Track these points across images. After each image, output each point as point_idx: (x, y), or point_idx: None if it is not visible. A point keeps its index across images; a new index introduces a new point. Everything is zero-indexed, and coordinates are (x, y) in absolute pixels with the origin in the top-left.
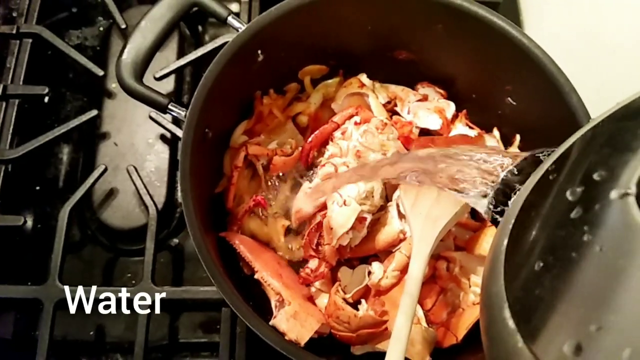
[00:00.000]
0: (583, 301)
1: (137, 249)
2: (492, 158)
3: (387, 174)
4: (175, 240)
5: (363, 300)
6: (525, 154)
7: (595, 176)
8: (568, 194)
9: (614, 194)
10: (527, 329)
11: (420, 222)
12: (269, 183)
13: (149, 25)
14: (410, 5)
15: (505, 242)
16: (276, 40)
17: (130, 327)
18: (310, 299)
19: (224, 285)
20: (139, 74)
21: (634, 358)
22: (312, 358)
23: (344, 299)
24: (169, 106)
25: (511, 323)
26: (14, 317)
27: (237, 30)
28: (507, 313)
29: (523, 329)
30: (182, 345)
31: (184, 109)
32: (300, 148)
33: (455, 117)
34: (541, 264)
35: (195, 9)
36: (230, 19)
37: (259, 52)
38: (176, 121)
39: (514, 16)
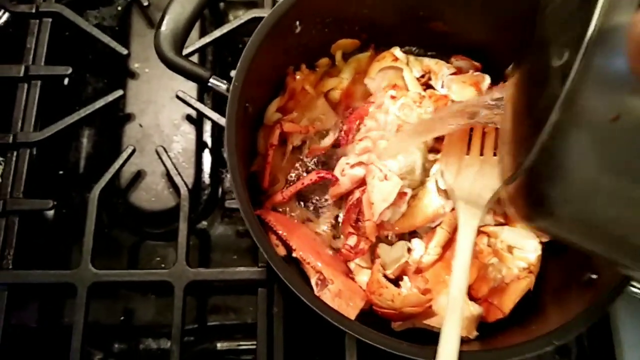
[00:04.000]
0: None
1: (164, 232)
2: None
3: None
4: (204, 223)
5: (406, 278)
6: None
7: None
8: None
9: None
10: None
11: (465, 195)
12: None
13: None
14: None
15: None
16: (314, 11)
17: (160, 312)
18: (349, 276)
19: (277, 260)
20: (179, 46)
21: None
22: (367, 330)
23: (385, 275)
24: (211, 79)
25: None
26: (38, 305)
27: (276, 0)
28: None
29: None
30: (213, 328)
31: (225, 82)
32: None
33: (491, 89)
34: None
35: None
36: None
37: (297, 23)
38: (202, 100)
39: None
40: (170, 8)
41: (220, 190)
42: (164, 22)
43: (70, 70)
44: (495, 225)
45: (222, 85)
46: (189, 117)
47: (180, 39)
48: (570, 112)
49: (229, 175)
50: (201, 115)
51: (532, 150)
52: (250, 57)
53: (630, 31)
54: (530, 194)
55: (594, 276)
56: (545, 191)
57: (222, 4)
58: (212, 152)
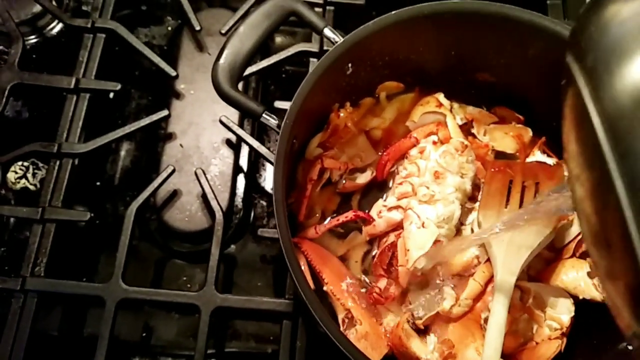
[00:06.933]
0: None
1: (193, 252)
2: None
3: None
4: (233, 247)
5: (432, 336)
6: None
7: None
8: None
9: None
10: None
11: (503, 250)
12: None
13: (247, 31)
14: (506, 29)
15: None
16: (366, 54)
17: (182, 332)
18: (376, 316)
19: (314, 301)
20: (235, 80)
21: None
22: None
23: (414, 323)
24: (263, 115)
25: None
26: (61, 313)
27: (332, 42)
28: None
29: None
30: (232, 354)
31: (275, 117)
32: (373, 169)
33: (533, 143)
34: None
35: (292, 17)
36: (326, 30)
37: (350, 65)
38: (242, 125)
39: None
40: (230, 42)
41: (252, 214)
42: (223, 55)
43: (119, 87)
44: (529, 280)
45: (273, 121)
46: (228, 142)
47: (237, 73)
48: None
49: (261, 201)
50: (240, 140)
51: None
52: (304, 96)
53: None
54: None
55: (630, 347)
56: None
57: None
58: (247, 176)
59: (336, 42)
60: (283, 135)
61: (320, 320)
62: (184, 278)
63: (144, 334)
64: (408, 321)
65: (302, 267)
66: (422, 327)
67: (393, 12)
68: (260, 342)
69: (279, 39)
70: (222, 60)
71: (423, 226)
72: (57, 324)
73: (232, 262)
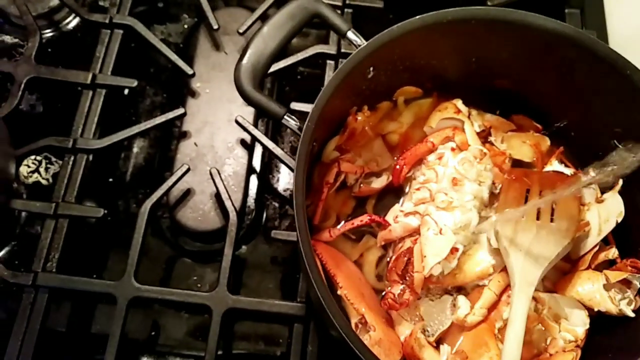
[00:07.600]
0: None
1: (204, 252)
2: None
3: None
4: (244, 248)
5: (445, 346)
6: None
7: None
8: None
9: None
10: None
11: (520, 259)
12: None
13: (271, 32)
14: (529, 36)
15: None
16: (388, 58)
17: (191, 332)
18: (389, 322)
19: (332, 305)
20: (257, 81)
21: None
22: None
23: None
24: (285, 116)
25: None
26: (69, 310)
27: (356, 46)
28: None
29: None
30: (241, 356)
31: (296, 119)
32: (389, 174)
33: (551, 152)
34: None
35: (315, 19)
36: (350, 33)
37: (371, 69)
38: (256, 125)
39: None
40: (253, 42)
41: (264, 216)
42: (246, 56)
43: (135, 83)
44: (544, 291)
45: (294, 123)
46: (242, 142)
47: (260, 74)
48: None
49: (274, 202)
50: (254, 140)
51: None
52: (326, 99)
53: None
54: None
55: None
56: None
57: None
58: (260, 177)
59: (359, 46)
60: (304, 138)
61: (339, 326)
62: (194, 278)
63: (152, 333)
64: (417, 339)
65: None
66: (434, 344)
67: (418, 17)
68: (269, 344)
69: (293, 40)
70: (245, 61)
71: (440, 233)
72: (65, 320)
73: (243, 263)
